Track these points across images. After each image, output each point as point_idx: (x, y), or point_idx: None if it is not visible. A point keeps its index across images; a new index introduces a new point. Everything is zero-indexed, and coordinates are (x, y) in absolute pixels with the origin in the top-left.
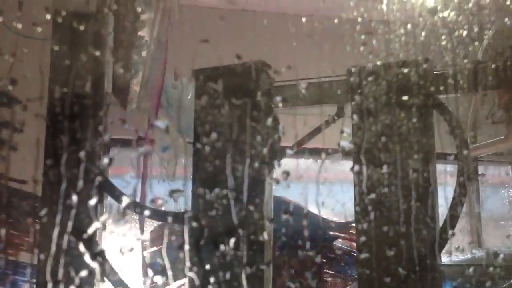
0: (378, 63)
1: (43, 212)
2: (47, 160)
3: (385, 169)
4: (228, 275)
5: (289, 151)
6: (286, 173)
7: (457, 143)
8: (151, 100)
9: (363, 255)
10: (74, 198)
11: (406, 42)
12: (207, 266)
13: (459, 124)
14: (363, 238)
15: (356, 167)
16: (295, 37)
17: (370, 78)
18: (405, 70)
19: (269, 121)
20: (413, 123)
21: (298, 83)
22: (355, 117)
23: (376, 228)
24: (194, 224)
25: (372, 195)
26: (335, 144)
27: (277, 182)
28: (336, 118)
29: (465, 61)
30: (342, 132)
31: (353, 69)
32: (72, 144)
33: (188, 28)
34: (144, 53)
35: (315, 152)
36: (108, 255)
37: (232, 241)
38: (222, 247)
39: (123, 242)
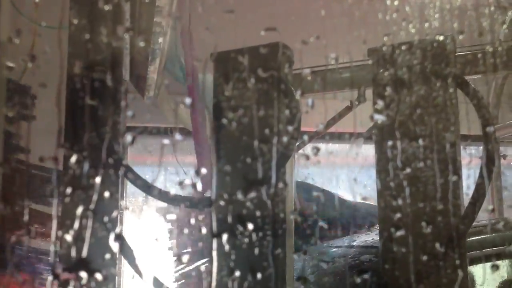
0: (413, 30)
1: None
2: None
3: (415, 144)
4: (250, 253)
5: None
6: (316, 149)
7: (482, 114)
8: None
9: (386, 234)
10: (94, 180)
11: (441, 8)
12: (229, 244)
13: (482, 97)
14: (385, 215)
15: (380, 141)
16: (323, 6)
17: (403, 48)
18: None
19: (298, 94)
20: (438, 96)
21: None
22: (388, 88)
23: (399, 204)
24: (219, 203)
25: (396, 171)
26: (351, 128)
27: (308, 158)
28: (357, 103)
29: (504, 27)
30: (375, 103)
31: (385, 38)
32: (90, 130)
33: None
34: (161, 40)
35: (332, 137)
36: (130, 239)
37: (255, 219)
38: (247, 225)
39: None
